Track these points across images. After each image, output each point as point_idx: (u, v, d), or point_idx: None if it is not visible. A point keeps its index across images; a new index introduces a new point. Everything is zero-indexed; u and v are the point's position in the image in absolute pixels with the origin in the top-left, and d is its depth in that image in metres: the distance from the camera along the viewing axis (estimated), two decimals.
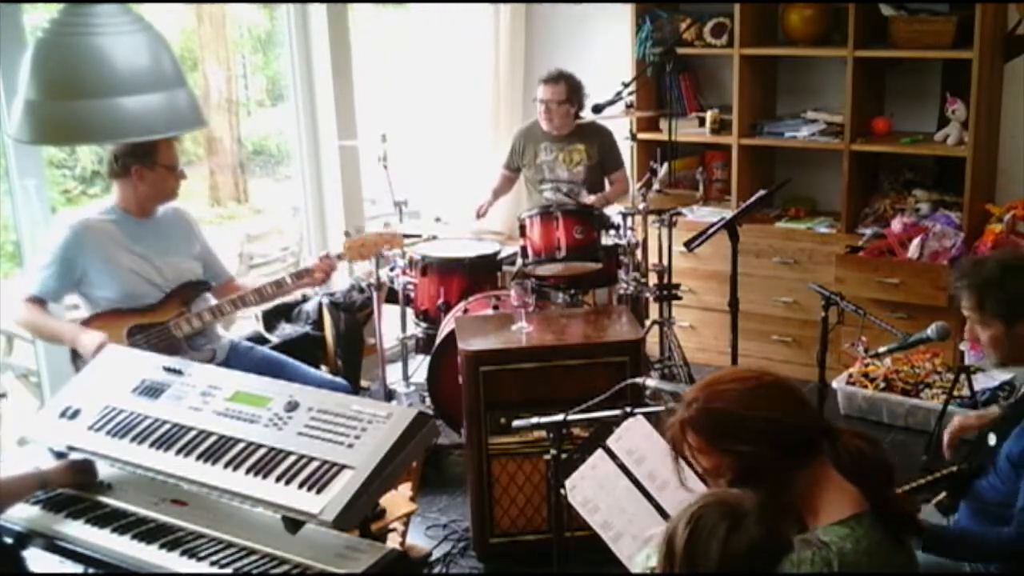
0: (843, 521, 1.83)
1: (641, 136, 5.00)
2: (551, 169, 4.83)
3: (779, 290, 4.97)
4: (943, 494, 2.62)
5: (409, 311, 4.65)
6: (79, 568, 2.47)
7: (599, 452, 2.48)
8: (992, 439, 2.57)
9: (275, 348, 4.10)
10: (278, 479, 2.34)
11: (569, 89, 4.69)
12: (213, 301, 3.60)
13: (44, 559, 2.49)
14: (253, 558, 2.29)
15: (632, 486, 2.43)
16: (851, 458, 1.88)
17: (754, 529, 1.65)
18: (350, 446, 2.35)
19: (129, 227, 3.46)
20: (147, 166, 3.40)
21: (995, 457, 2.49)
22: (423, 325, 4.56)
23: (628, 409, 2.53)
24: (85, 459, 2.62)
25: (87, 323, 3.36)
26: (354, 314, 4.50)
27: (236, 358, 3.62)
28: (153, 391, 2.71)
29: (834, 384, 4.48)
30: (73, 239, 3.36)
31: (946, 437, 2.78)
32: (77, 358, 3.32)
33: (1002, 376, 4.37)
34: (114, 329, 3.33)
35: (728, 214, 4.48)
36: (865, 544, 1.79)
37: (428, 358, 4.21)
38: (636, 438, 2.48)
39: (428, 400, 4.25)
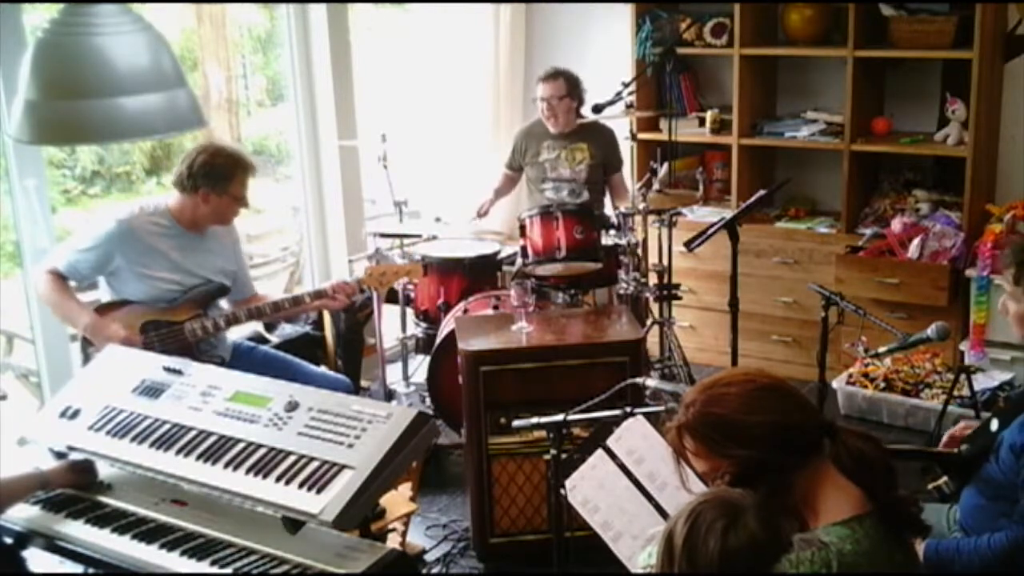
0: (844, 521, 1.82)
1: (641, 136, 5.00)
2: (553, 167, 4.83)
3: (779, 290, 4.97)
4: (943, 478, 2.61)
5: (409, 311, 4.65)
6: (79, 568, 2.47)
7: (599, 452, 2.48)
8: (995, 425, 2.57)
9: (275, 348, 4.11)
10: (278, 479, 2.35)
11: (568, 84, 4.69)
12: (226, 306, 3.60)
13: (44, 559, 2.49)
14: (253, 558, 2.29)
15: (632, 486, 2.43)
16: (852, 458, 1.88)
17: (753, 526, 1.64)
18: (350, 446, 2.35)
19: (176, 238, 3.47)
20: (216, 193, 3.41)
21: (996, 443, 2.49)
22: (423, 325, 4.56)
23: (628, 409, 2.53)
24: (85, 459, 2.62)
25: (103, 309, 3.37)
26: (354, 314, 4.50)
27: (239, 358, 3.62)
28: (153, 391, 2.71)
29: (834, 384, 4.48)
30: (118, 235, 3.37)
31: (946, 437, 2.78)
32: (88, 345, 3.32)
33: (1002, 376, 4.37)
34: (129, 321, 3.34)
35: (728, 214, 4.48)
36: (866, 545, 1.78)
37: (428, 358, 4.21)
38: (636, 438, 2.48)
39: (428, 400, 4.25)
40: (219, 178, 3.39)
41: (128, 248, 3.38)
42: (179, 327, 3.41)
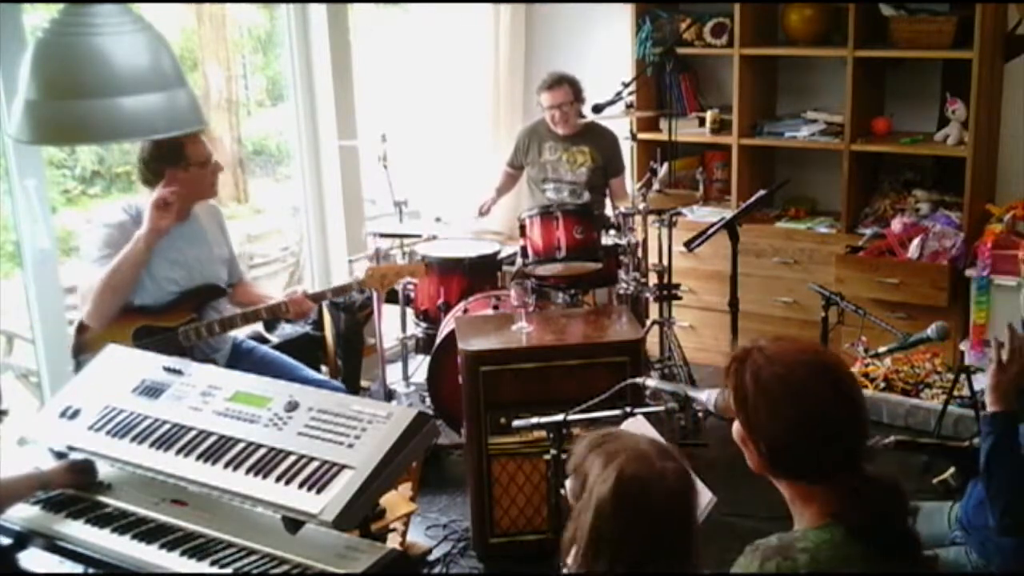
0: (824, 525, 1.71)
1: (641, 136, 5.00)
2: (554, 169, 4.83)
3: (779, 290, 4.97)
4: (950, 471, 2.59)
5: (409, 311, 4.65)
6: (79, 568, 2.47)
7: None
8: None
9: (275, 348, 4.10)
10: (278, 479, 2.34)
11: (573, 89, 4.70)
12: (223, 305, 3.57)
13: (44, 559, 2.49)
14: (253, 558, 2.28)
15: None
16: (865, 519, 1.70)
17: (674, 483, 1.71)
18: (350, 446, 2.35)
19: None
20: (180, 167, 3.32)
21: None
22: (423, 325, 4.56)
23: (628, 409, 2.53)
24: (85, 459, 2.62)
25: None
26: (354, 314, 4.50)
27: (238, 358, 3.61)
28: (153, 391, 2.70)
29: None
30: (113, 239, 3.32)
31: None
32: (79, 353, 3.31)
33: None
34: (121, 328, 3.32)
35: (728, 214, 4.49)
36: (845, 550, 1.67)
37: (428, 358, 4.21)
38: None
39: (428, 400, 4.25)
40: (173, 152, 3.30)
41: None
42: (172, 332, 3.38)
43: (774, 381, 1.73)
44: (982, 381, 4.26)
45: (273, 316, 3.63)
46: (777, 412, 1.72)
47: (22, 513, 2.50)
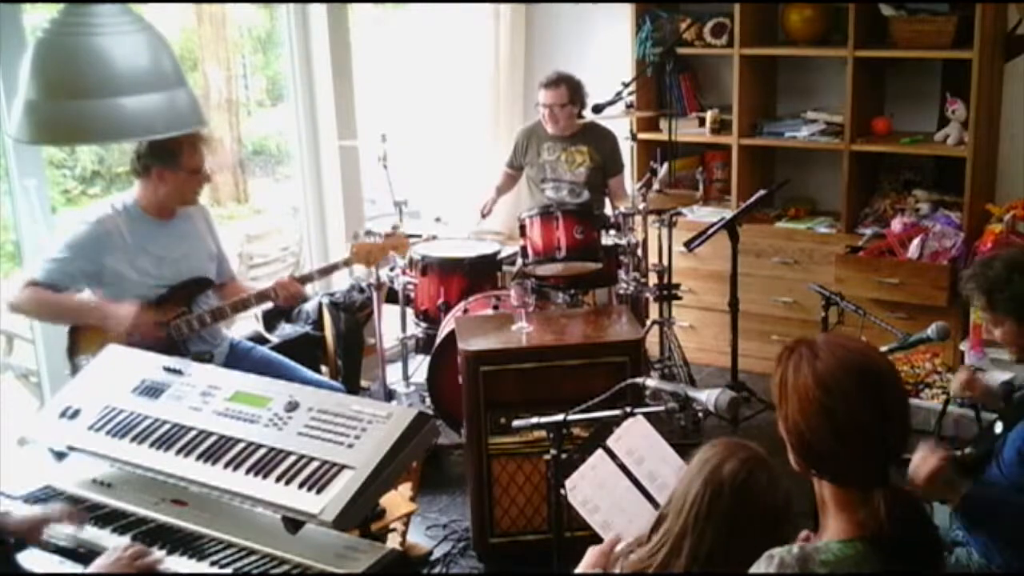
0: (848, 540, 1.68)
1: (641, 136, 5.00)
2: (553, 169, 4.83)
3: (779, 290, 4.97)
4: None
5: (409, 311, 4.65)
6: (79, 568, 2.47)
7: (599, 452, 2.47)
8: (999, 427, 2.56)
9: (275, 348, 4.09)
10: (278, 479, 2.35)
11: (571, 91, 4.68)
12: (214, 299, 3.57)
13: (44, 559, 2.49)
14: (253, 558, 2.29)
15: (632, 486, 2.43)
16: (892, 536, 1.67)
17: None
18: (350, 446, 2.35)
19: (148, 228, 3.40)
20: (170, 169, 3.32)
21: (1000, 445, 2.48)
22: (423, 325, 4.56)
23: (628, 409, 2.53)
24: (47, 513, 2.48)
25: None
26: (354, 314, 4.50)
27: (237, 358, 3.61)
28: (153, 391, 2.71)
29: None
30: (93, 236, 3.31)
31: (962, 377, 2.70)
32: (74, 355, 3.31)
33: (1002, 376, 4.35)
34: None
35: (728, 214, 4.49)
36: (866, 569, 1.65)
37: (428, 358, 4.21)
38: (636, 438, 2.48)
39: (428, 400, 4.25)
40: (168, 153, 3.29)
41: (105, 247, 3.31)
42: (163, 327, 3.37)
43: (810, 376, 1.70)
44: (982, 381, 4.28)
45: (263, 302, 3.61)
46: (804, 408, 1.69)
47: (23, 513, 2.50)
